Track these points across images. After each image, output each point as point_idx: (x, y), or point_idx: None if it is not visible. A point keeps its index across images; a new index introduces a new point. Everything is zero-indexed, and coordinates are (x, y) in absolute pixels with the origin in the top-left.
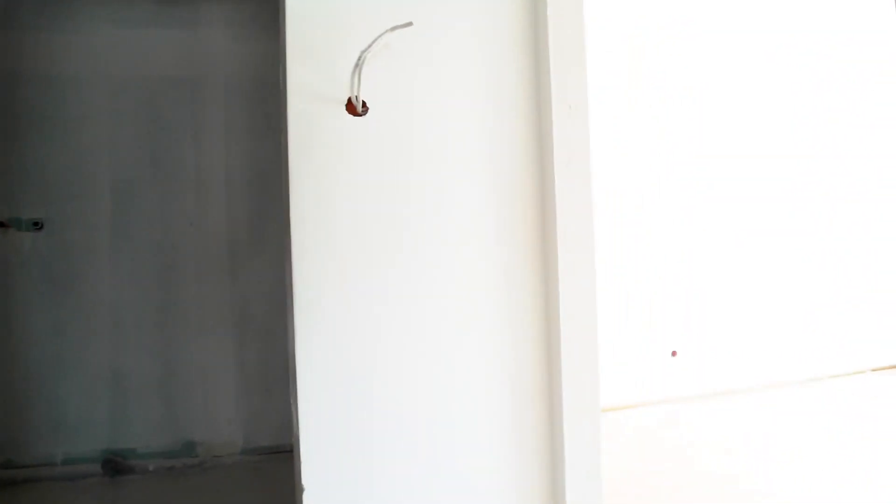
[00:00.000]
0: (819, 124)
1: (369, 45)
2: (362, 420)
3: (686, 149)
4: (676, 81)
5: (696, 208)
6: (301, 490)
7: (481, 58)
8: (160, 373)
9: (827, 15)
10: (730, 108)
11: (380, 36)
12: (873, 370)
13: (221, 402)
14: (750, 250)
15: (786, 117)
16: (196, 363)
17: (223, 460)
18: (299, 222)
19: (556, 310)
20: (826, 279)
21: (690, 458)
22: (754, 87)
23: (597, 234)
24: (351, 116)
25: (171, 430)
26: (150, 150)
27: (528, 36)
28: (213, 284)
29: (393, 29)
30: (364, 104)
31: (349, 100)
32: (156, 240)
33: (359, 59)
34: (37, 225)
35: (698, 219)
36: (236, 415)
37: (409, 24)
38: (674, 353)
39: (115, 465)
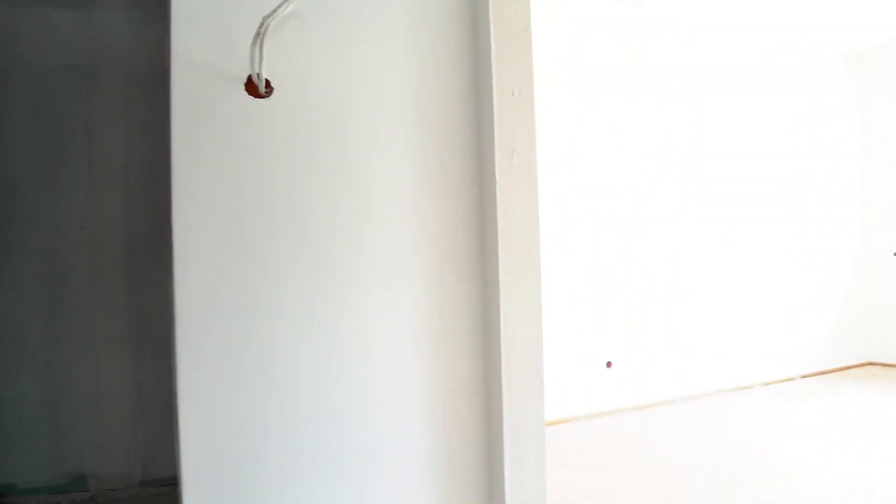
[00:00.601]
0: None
1: (273, 11)
2: (255, 450)
3: (630, 171)
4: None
5: (630, 223)
6: None
7: (413, 37)
8: (45, 396)
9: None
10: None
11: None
12: (802, 377)
13: (116, 428)
14: (685, 265)
15: (739, 153)
16: (87, 385)
17: (118, 494)
18: (183, 227)
19: (497, 322)
20: (761, 295)
21: (628, 469)
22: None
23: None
24: (252, 98)
25: (57, 462)
26: (35, 144)
27: (466, 12)
28: (107, 296)
29: None
30: (268, 84)
31: (249, 78)
32: (41, 246)
33: (260, 27)
34: None
35: (633, 233)
36: (133, 443)
37: None
38: (608, 364)
39: None
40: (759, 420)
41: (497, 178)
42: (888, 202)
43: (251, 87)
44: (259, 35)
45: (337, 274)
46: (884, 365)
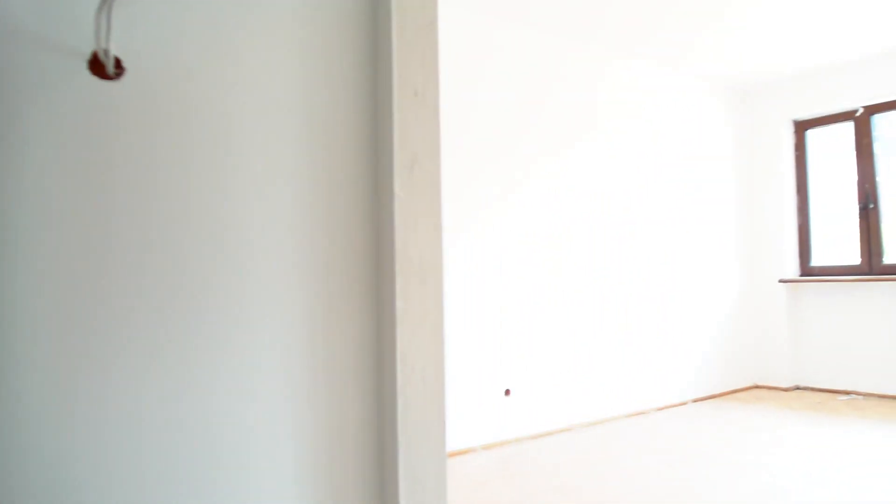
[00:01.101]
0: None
1: None
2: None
3: (530, 200)
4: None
5: (527, 248)
6: None
7: (303, 26)
8: None
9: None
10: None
11: None
12: (694, 401)
13: None
14: (581, 293)
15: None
16: None
17: None
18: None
19: (392, 359)
20: (654, 323)
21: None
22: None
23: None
24: (98, 79)
25: None
26: None
27: (366, 3)
28: None
29: None
30: (118, 63)
31: (94, 55)
32: None
33: None
34: None
35: (530, 260)
36: None
37: None
38: (507, 392)
39: None
40: (656, 445)
41: (395, 189)
42: (772, 233)
43: (96, 66)
44: (106, 2)
45: (192, 301)
46: (768, 388)
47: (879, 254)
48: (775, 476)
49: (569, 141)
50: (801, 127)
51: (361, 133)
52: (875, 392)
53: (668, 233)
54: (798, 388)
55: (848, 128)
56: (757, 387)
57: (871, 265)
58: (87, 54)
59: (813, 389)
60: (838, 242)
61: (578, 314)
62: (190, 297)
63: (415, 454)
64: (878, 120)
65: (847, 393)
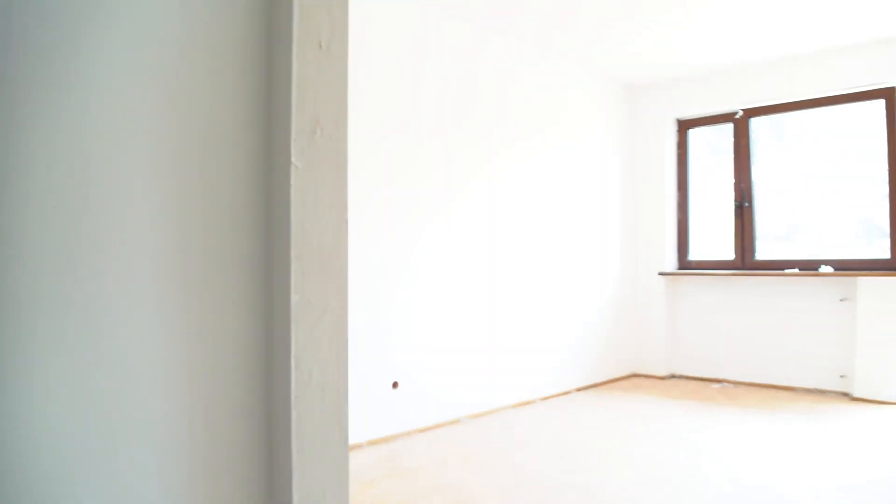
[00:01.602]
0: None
1: None
2: None
3: (403, 195)
4: None
5: (414, 239)
6: None
7: None
8: None
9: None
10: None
11: None
12: (578, 389)
13: None
14: (468, 284)
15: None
16: None
17: None
18: None
19: (286, 361)
20: (539, 315)
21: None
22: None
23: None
24: None
25: None
26: None
27: None
28: None
29: None
30: None
31: None
32: None
33: None
34: None
35: (417, 249)
36: None
37: None
38: (395, 385)
39: None
40: (543, 436)
41: (293, 158)
42: (653, 227)
43: None
44: None
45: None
46: (646, 376)
47: (752, 250)
48: (659, 464)
49: (453, 121)
50: (684, 126)
51: (252, 92)
52: (745, 380)
53: (553, 225)
54: (674, 376)
55: (727, 129)
56: (635, 375)
57: (744, 260)
58: None
59: (688, 378)
60: (715, 238)
61: (466, 305)
62: (34, 299)
63: (310, 478)
64: (756, 123)
65: (720, 381)
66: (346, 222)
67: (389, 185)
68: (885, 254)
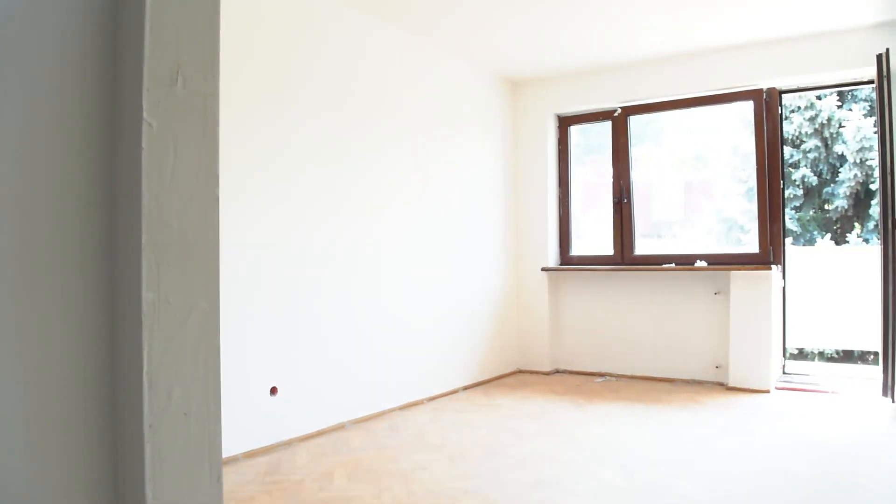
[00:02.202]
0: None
1: None
2: None
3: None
4: None
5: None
6: None
7: None
8: None
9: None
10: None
11: None
12: (465, 388)
13: None
14: (353, 283)
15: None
16: None
17: None
18: None
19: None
20: (424, 314)
21: None
22: None
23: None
24: None
25: None
26: None
27: None
28: None
29: None
30: None
31: None
32: None
33: None
34: None
35: (296, 248)
36: None
37: None
38: (273, 391)
39: None
40: (432, 439)
41: (144, 114)
42: (536, 223)
43: None
44: None
45: None
46: (531, 372)
47: (631, 245)
48: (553, 464)
49: (333, 106)
50: (565, 122)
51: (93, 29)
52: (627, 373)
53: (436, 219)
54: (558, 371)
55: (607, 126)
56: (521, 371)
57: (624, 256)
58: None
59: (571, 372)
60: (597, 234)
61: (348, 301)
62: None
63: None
64: (635, 121)
65: (602, 375)
66: (217, 199)
67: (262, 168)
68: (754, 248)
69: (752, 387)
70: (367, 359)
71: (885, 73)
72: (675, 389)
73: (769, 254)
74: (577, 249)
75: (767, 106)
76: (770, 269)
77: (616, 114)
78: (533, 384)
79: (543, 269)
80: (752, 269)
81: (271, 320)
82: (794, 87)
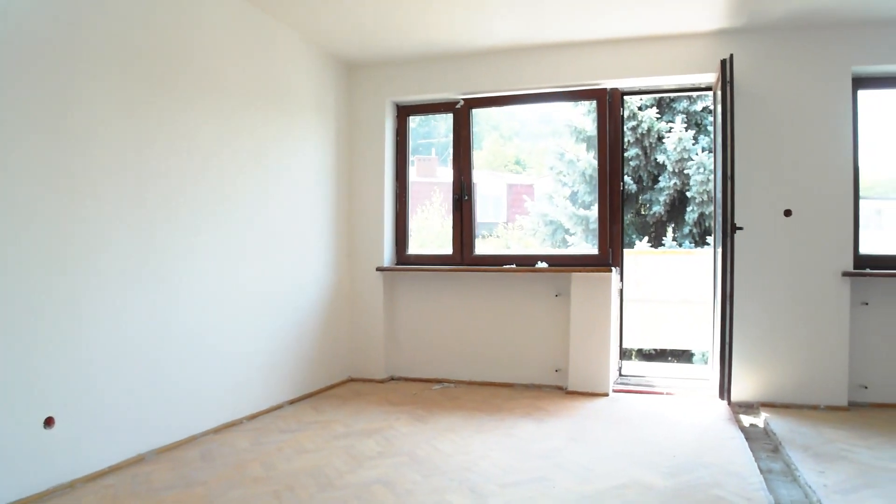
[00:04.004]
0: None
1: None
2: None
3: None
4: None
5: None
6: None
7: None
8: None
9: None
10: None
11: None
12: (291, 401)
13: None
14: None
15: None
16: None
17: None
18: None
19: None
20: (238, 324)
21: None
22: None
23: None
24: None
25: None
26: None
27: None
28: None
29: None
30: None
31: None
32: None
33: None
34: None
35: (84, 251)
36: None
37: None
38: (49, 422)
39: None
40: (253, 469)
41: None
42: (370, 220)
43: None
44: None
45: None
46: (364, 380)
47: (471, 245)
48: (398, 493)
49: (138, 75)
50: (404, 112)
51: None
52: (466, 379)
53: (257, 213)
54: (393, 378)
55: (449, 118)
56: (352, 380)
57: (463, 256)
58: None
59: (408, 380)
60: (438, 232)
61: (149, 308)
62: None
63: None
64: (478, 114)
65: (440, 381)
66: None
67: (44, 146)
68: (594, 250)
69: (591, 390)
70: (172, 374)
71: (728, 79)
72: (515, 395)
73: (609, 256)
74: (414, 248)
75: (610, 107)
76: (611, 271)
77: (458, 105)
78: (367, 394)
79: (378, 269)
80: (593, 272)
81: (43, 335)
82: (637, 88)
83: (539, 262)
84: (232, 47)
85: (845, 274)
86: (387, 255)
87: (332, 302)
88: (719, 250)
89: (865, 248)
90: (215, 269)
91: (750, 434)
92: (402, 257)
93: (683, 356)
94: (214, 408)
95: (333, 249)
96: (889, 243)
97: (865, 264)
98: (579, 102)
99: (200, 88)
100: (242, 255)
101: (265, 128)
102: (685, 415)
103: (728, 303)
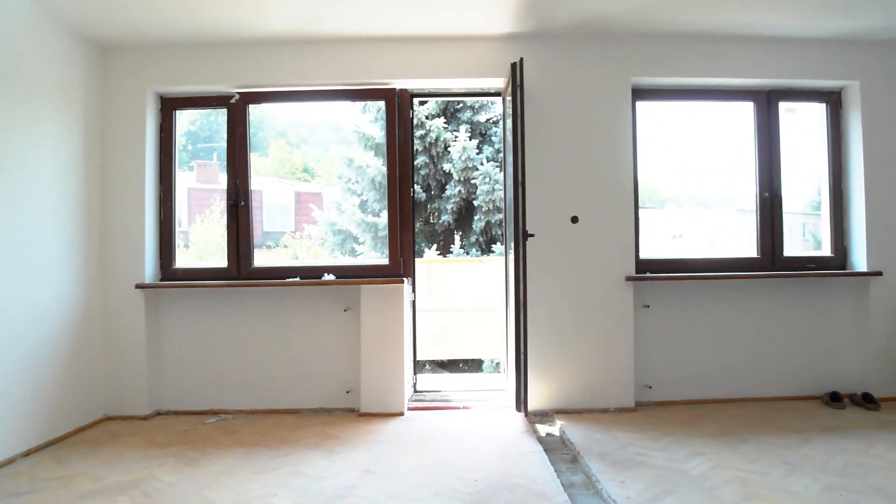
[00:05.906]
0: None
1: None
2: None
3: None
4: None
5: None
6: None
7: None
8: None
9: None
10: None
11: None
12: (26, 454)
13: None
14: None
15: None
16: None
17: None
18: None
19: None
20: None
21: None
22: None
23: None
24: None
25: None
26: None
27: None
28: None
29: None
30: None
31: None
32: None
33: None
34: None
35: None
36: None
37: None
38: None
39: None
40: None
41: None
42: (125, 228)
43: None
44: None
45: None
46: (123, 418)
47: (249, 257)
48: None
49: None
50: (171, 105)
51: None
52: (246, 408)
53: None
54: (159, 413)
55: (223, 114)
56: (109, 418)
57: (240, 269)
58: None
59: (177, 413)
60: (219, 243)
61: None
62: None
63: None
64: (256, 110)
65: (216, 413)
66: None
67: None
68: (385, 260)
69: (386, 410)
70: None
71: (518, 82)
72: (303, 423)
73: (400, 265)
74: (183, 261)
75: (400, 108)
76: (402, 281)
77: (233, 100)
78: (126, 435)
79: (139, 287)
80: (384, 283)
81: None
82: (427, 90)
83: (326, 275)
84: None
85: (629, 279)
86: (149, 270)
87: (82, 325)
88: (511, 257)
89: (645, 253)
90: None
91: (548, 445)
92: (168, 272)
93: (474, 364)
94: None
95: (82, 262)
96: (661, 248)
97: (646, 269)
98: (367, 103)
99: None
100: None
101: None
102: (484, 430)
103: (522, 311)
